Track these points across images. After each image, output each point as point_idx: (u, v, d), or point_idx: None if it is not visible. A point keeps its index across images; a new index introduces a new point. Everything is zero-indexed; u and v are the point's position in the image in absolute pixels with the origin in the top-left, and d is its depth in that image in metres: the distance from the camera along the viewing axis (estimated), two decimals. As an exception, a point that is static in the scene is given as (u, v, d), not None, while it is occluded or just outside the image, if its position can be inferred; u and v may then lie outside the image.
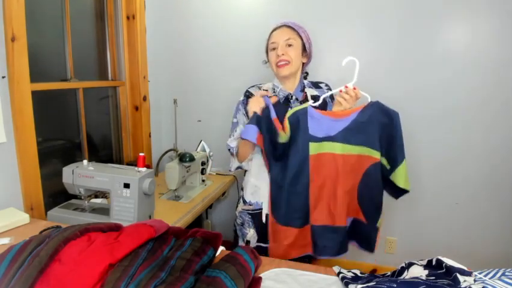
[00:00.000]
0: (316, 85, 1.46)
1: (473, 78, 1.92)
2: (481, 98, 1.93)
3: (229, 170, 1.48)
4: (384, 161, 1.24)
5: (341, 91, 1.25)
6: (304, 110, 1.25)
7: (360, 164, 1.25)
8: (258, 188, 1.40)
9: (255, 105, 1.28)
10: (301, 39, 1.36)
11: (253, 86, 1.45)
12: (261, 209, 1.40)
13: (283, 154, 1.27)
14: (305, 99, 1.38)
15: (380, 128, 1.22)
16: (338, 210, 1.27)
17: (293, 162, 1.25)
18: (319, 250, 1.30)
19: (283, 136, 1.25)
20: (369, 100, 1.24)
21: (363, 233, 1.31)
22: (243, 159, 1.40)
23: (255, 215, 1.41)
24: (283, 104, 1.38)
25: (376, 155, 1.23)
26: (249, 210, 1.43)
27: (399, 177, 1.21)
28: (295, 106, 1.35)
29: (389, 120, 1.21)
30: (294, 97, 1.39)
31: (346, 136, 1.24)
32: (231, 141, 1.41)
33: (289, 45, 1.33)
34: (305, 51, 1.38)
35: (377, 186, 1.26)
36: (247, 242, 1.44)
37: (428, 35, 1.94)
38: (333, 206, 1.28)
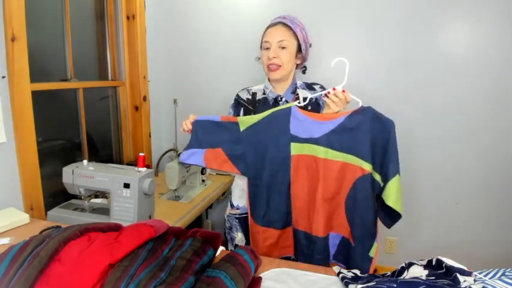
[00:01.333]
0: (310, 86, 1.39)
1: (473, 78, 1.92)
2: (480, 98, 1.93)
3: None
4: (378, 177, 1.10)
5: (328, 93, 1.16)
6: (288, 110, 1.19)
7: (346, 172, 1.14)
8: (244, 192, 1.35)
9: (184, 127, 1.25)
10: (297, 40, 1.29)
11: (243, 90, 1.42)
12: (247, 213, 1.35)
13: (250, 145, 1.21)
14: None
15: (371, 137, 1.10)
16: (315, 218, 1.18)
17: (271, 159, 1.19)
18: (299, 254, 1.26)
19: (243, 122, 1.20)
20: (361, 105, 1.13)
21: (352, 258, 1.17)
22: None
23: (242, 219, 1.39)
24: (272, 105, 1.34)
25: (366, 166, 1.11)
26: (236, 214, 1.41)
27: (389, 194, 1.05)
28: None
29: (382, 129, 1.08)
30: (283, 99, 1.34)
31: (330, 140, 1.14)
32: None
33: (283, 48, 1.26)
34: (300, 51, 1.32)
35: (367, 203, 1.12)
36: (236, 246, 1.43)
37: (427, 35, 1.94)
38: (312, 214, 1.19)
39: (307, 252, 1.23)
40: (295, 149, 1.18)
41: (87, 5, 2.00)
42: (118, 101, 2.20)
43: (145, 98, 2.24)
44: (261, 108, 1.33)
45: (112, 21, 2.11)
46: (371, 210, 1.13)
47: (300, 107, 1.20)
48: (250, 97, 1.37)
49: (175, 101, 2.34)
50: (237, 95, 1.41)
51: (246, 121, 1.21)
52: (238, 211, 1.40)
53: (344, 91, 1.14)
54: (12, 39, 1.34)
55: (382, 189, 1.08)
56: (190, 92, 2.40)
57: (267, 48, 1.28)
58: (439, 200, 2.10)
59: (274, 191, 1.21)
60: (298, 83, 1.38)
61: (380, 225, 1.15)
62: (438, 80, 1.97)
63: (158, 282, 0.74)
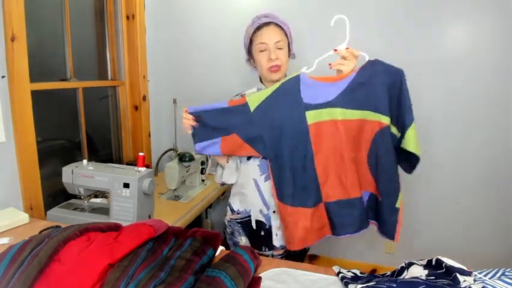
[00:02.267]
0: None
1: (473, 78, 1.92)
2: (480, 99, 1.93)
3: (218, 183, 1.39)
4: (394, 129, 1.10)
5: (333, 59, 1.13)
6: (296, 78, 1.15)
7: (364, 129, 1.12)
8: (245, 196, 1.34)
9: (186, 123, 1.19)
10: (287, 38, 1.29)
11: (236, 96, 1.39)
12: (250, 216, 1.35)
13: (264, 124, 1.17)
14: None
15: (384, 89, 1.08)
16: (349, 181, 1.16)
17: (289, 134, 1.15)
18: (338, 228, 1.19)
19: (252, 101, 1.17)
20: (367, 59, 1.11)
21: (381, 212, 1.17)
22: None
23: (245, 223, 1.37)
24: None
25: (384, 119, 1.09)
26: (237, 219, 1.39)
27: (408, 141, 1.07)
28: None
29: (392, 79, 1.08)
30: None
31: (344, 99, 1.12)
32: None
33: (280, 48, 1.26)
34: (289, 49, 1.32)
35: (389, 156, 1.12)
36: None
37: (427, 35, 1.94)
38: (344, 177, 1.16)
39: (348, 220, 1.18)
40: (311, 117, 1.14)
41: (87, 4, 2.00)
42: (118, 101, 2.20)
43: (144, 98, 2.24)
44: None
45: (112, 21, 2.11)
46: (393, 162, 1.13)
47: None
48: None
49: (175, 101, 2.34)
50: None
51: (255, 100, 1.16)
52: (239, 215, 1.38)
53: (347, 48, 1.12)
54: (12, 39, 1.33)
55: (399, 140, 1.10)
56: (190, 92, 2.40)
57: (264, 50, 1.26)
58: (439, 200, 2.10)
59: (298, 167, 1.16)
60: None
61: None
62: (437, 81, 1.97)
63: (158, 282, 0.74)
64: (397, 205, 1.14)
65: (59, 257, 0.78)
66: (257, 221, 1.35)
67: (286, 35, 1.29)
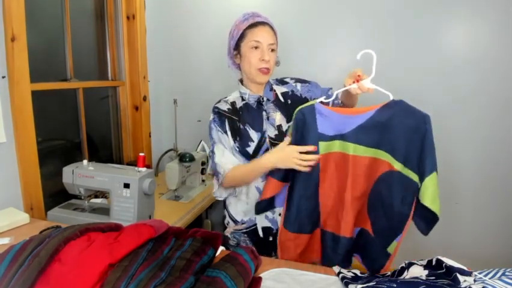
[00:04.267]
0: (282, 81, 1.36)
1: (474, 78, 1.92)
2: (481, 98, 1.93)
3: (215, 195, 1.35)
4: (415, 176, 1.01)
5: (356, 81, 1.08)
6: (312, 107, 1.13)
7: (374, 167, 1.08)
8: (248, 205, 1.32)
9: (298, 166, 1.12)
10: (277, 43, 1.27)
11: (219, 102, 1.34)
12: (256, 224, 1.32)
13: None
14: (276, 98, 1.31)
15: (403, 132, 1.02)
16: (344, 218, 1.12)
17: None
18: (324, 258, 1.20)
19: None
20: (391, 98, 1.06)
21: (369, 249, 1.12)
22: (235, 185, 1.29)
23: (251, 232, 1.34)
24: (256, 108, 1.31)
25: (396, 165, 1.03)
26: (242, 229, 1.35)
27: (425, 191, 0.98)
28: (269, 107, 1.29)
29: (416, 123, 1.01)
30: (265, 99, 1.31)
31: (359, 136, 1.08)
32: (225, 163, 1.25)
33: (272, 50, 1.24)
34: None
35: (391, 200, 1.05)
36: None
37: (427, 34, 1.94)
38: (341, 214, 1.13)
39: (333, 254, 1.16)
40: (323, 147, 1.13)
41: (87, 5, 2.00)
42: (118, 101, 2.20)
43: (145, 98, 2.24)
44: (245, 115, 1.29)
45: (112, 21, 2.11)
46: (396, 208, 1.05)
47: (323, 103, 1.15)
48: (230, 107, 1.31)
49: (175, 101, 2.34)
50: (217, 108, 1.32)
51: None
52: (244, 225, 1.34)
53: (369, 89, 1.08)
54: (12, 39, 1.33)
55: (419, 189, 1.01)
56: (190, 92, 2.40)
57: (256, 48, 1.23)
58: (439, 200, 2.09)
59: (303, 195, 1.16)
60: (271, 80, 1.35)
61: (410, 227, 1.07)
62: (437, 80, 1.97)
63: (158, 282, 0.74)
64: (389, 249, 1.08)
65: (59, 257, 0.78)
66: (263, 228, 1.32)
67: (276, 40, 1.27)
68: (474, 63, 1.91)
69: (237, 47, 1.28)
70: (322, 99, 1.14)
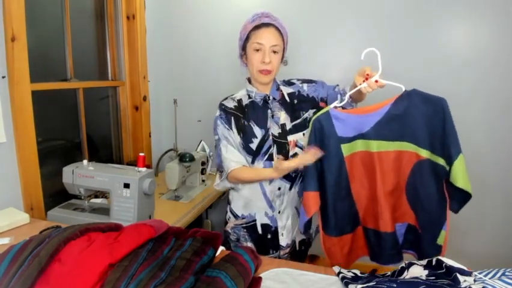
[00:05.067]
0: (288, 83, 1.38)
1: (474, 78, 1.92)
2: (481, 98, 1.93)
3: (216, 187, 1.38)
4: (442, 161, 1.04)
5: (366, 79, 1.09)
6: (327, 114, 1.14)
7: (402, 161, 1.10)
8: (250, 200, 1.33)
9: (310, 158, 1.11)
10: (283, 43, 1.28)
11: (225, 99, 1.36)
12: (255, 220, 1.34)
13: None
14: (282, 98, 1.33)
15: (423, 120, 1.04)
16: (380, 214, 1.13)
17: (329, 168, 1.15)
18: (371, 254, 1.20)
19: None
20: (404, 90, 1.08)
21: (422, 246, 1.13)
22: (238, 184, 1.32)
23: (251, 228, 1.35)
24: (262, 107, 1.32)
25: (423, 152, 1.06)
26: (242, 224, 1.36)
27: (456, 175, 1.02)
28: (274, 106, 1.31)
29: (433, 109, 1.03)
30: (271, 97, 1.32)
31: (379, 131, 1.09)
32: (229, 161, 1.26)
33: (275, 52, 1.25)
34: (283, 55, 1.31)
35: (428, 190, 1.07)
36: None
37: (426, 35, 1.94)
38: (376, 210, 1.14)
39: (378, 250, 1.18)
40: (346, 149, 1.15)
41: (87, 5, 2.00)
42: (118, 101, 2.20)
43: (145, 98, 2.24)
44: (251, 112, 1.31)
45: (112, 21, 2.11)
46: (433, 197, 1.08)
47: (336, 107, 1.16)
48: (236, 104, 1.33)
49: (175, 101, 2.34)
50: (223, 105, 1.33)
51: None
52: (244, 220, 1.36)
53: (376, 81, 1.08)
54: (12, 39, 1.33)
55: (449, 172, 1.03)
56: (190, 92, 2.40)
57: (258, 50, 1.24)
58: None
59: (337, 198, 1.17)
60: (278, 81, 1.37)
61: (449, 214, 1.10)
62: (437, 80, 1.97)
63: (158, 282, 0.74)
64: (438, 242, 1.09)
65: (59, 257, 0.78)
66: (262, 225, 1.34)
67: (283, 40, 1.27)
68: (474, 63, 1.91)
69: (244, 47, 1.30)
70: (335, 104, 1.16)
